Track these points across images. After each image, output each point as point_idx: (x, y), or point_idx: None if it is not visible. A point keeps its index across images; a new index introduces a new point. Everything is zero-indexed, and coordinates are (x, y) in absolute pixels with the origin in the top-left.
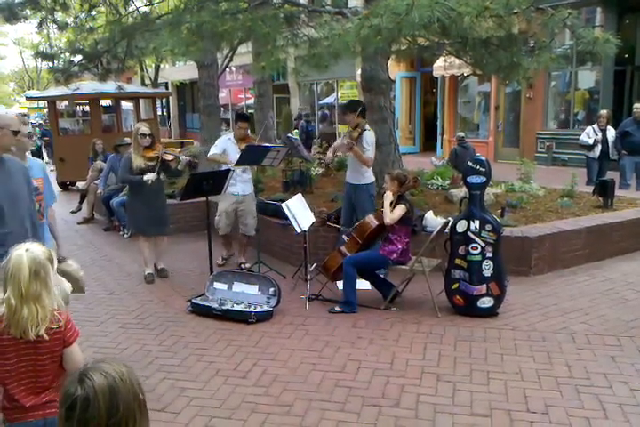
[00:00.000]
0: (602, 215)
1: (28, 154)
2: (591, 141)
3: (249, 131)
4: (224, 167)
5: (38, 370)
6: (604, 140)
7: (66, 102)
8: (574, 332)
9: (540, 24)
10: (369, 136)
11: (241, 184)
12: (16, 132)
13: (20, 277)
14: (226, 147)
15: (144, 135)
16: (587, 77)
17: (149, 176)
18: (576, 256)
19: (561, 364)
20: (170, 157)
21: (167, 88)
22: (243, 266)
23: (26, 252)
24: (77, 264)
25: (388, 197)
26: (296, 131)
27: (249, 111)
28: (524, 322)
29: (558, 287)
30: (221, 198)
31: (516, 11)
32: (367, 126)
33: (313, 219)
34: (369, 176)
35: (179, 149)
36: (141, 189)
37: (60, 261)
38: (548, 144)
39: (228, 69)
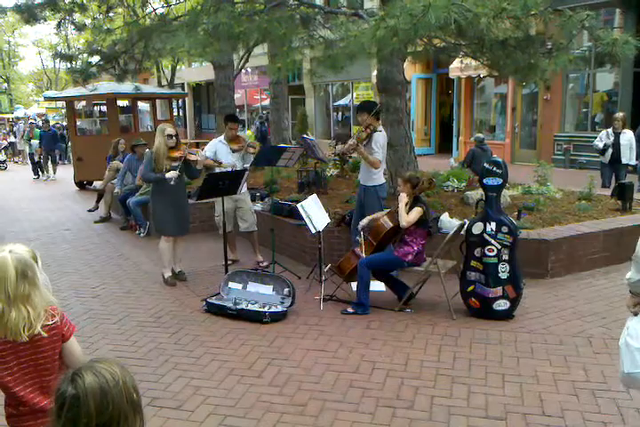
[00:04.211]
0: (620, 218)
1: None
2: (601, 145)
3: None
4: (234, 168)
5: (40, 369)
6: (617, 145)
7: (83, 103)
8: (591, 335)
9: (558, 25)
10: (379, 138)
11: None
12: None
13: (6, 278)
14: (217, 149)
15: (170, 136)
16: (605, 79)
17: (172, 174)
18: (594, 259)
19: (578, 368)
20: (194, 157)
21: (183, 89)
22: (261, 264)
23: (9, 253)
24: None
25: (403, 199)
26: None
27: (264, 112)
28: (540, 325)
29: (576, 290)
30: (218, 200)
31: (533, 12)
32: (380, 128)
33: (328, 220)
34: (377, 178)
35: (196, 150)
36: (165, 189)
37: None
38: (565, 146)
39: (243, 70)
